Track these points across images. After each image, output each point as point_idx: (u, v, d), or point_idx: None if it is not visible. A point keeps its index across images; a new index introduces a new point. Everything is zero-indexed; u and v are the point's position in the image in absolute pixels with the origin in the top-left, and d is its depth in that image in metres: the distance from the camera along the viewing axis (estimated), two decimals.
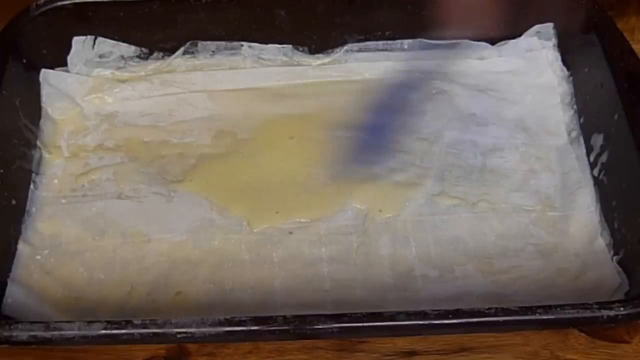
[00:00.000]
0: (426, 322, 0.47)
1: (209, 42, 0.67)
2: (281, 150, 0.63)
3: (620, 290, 0.54)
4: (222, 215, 0.59)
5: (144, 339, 0.48)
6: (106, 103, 0.66)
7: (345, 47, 0.68)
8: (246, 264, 0.57)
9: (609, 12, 0.65)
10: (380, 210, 0.59)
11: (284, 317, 0.48)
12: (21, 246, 0.57)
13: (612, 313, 0.47)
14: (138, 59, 0.67)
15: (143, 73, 0.67)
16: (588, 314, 0.48)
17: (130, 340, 0.48)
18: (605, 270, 0.55)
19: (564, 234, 0.58)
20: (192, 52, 0.68)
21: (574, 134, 0.63)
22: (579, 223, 0.58)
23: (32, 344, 0.48)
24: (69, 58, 0.66)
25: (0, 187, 0.56)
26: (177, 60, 0.67)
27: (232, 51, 0.68)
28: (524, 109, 0.65)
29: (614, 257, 0.56)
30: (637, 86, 0.58)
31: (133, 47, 0.67)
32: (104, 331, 0.47)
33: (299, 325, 0.47)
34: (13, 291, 0.54)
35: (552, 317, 0.47)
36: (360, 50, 0.68)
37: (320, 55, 0.68)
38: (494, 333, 0.54)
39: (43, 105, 0.64)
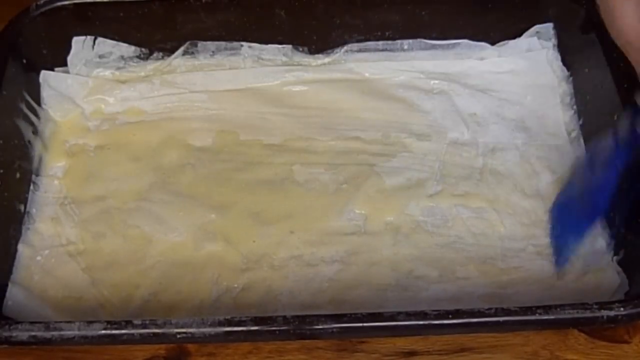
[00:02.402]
0: (426, 322, 0.47)
1: (208, 42, 0.67)
2: (282, 151, 0.63)
3: (620, 291, 0.54)
4: (222, 216, 0.59)
5: (144, 339, 0.48)
6: (107, 104, 0.66)
7: (345, 47, 0.68)
8: (246, 264, 0.57)
9: None
10: (381, 210, 0.59)
11: (284, 317, 0.48)
12: (21, 247, 0.57)
13: (612, 313, 0.47)
14: (138, 59, 0.67)
15: (143, 73, 0.67)
16: (588, 314, 0.48)
17: (130, 340, 0.48)
18: (606, 270, 0.55)
19: None
20: (192, 53, 0.68)
21: (574, 134, 0.63)
22: None
23: (32, 344, 0.48)
24: (69, 58, 0.66)
25: (0, 188, 0.56)
26: (177, 60, 0.67)
27: (232, 51, 0.68)
28: (524, 109, 0.65)
29: (614, 258, 0.56)
30: (637, 86, 0.58)
31: (133, 48, 0.67)
32: (103, 331, 0.47)
33: (299, 325, 0.47)
34: (14, 293, 0.54)
35: (552, 317, 0.47)
36: (360, 50, 0.68)
37: (320, 55, 0.68)
38: (494, 333, 0.54)
39: (43, 106, 0.64)
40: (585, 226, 0.55)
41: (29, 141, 0.62)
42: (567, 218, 0.56)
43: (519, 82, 0.67)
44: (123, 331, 0.47)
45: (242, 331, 0.47)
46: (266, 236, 0.58)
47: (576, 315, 0.48)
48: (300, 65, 0.68)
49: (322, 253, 0.57)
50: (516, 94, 0.66)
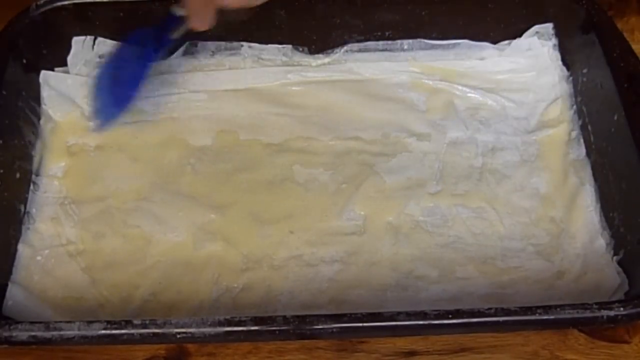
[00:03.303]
0: (426, 322, 0.47)
1: (208, 42, 0.67)
2: (282, 151, 0.63)
3: (620, 291, 0.54)
4: (222, 216, 0.59)
5: (144, 339, 0.48)
6: None
7: (345, 47, 0.68)
8: (246, 264, 0.57)
9: (609, 12, 0.65)
10: (381, 210, 0.59)
11: (284, 317, 0.48)
12: (21, 247, 0.57)
13: (612, 313, 0.47)
14: None
15: None
16: (588, 314, 0.48)
17: (130, 340, 0.48)
18: (606, 270, 0.55)
19: (564, 234, 0.58)
20: (192, 53, 0.68)
21: (574, 134, 0.63)
22: (579, 223, 0.58)
23: (32, 344, 0.48)
24: (69, 58, 0.66)
25: (0, 188, 0.56)
26: (177, 60, 0.67)
27: (232, 51, 0.68)
28: (524, 108, 0.65)
29: (614, 257, 0.56)
30: (637, 86, 0.58)
31: None
32: (103, 331, 0.47)
33: (298, 325, 0.47)
34: (14, 293, 0.54)
35: (552, 317, 0.48)
36: (360, 50, 0.68)
37: (320, 55, 0.68)
38: (494, 333, 0.54)
39: (44, 106, 0.64)
40: (121, 104, 0.63)
41: (29, 141, 0.62)
42: (108, 90, 0.62)
43: (519, 82, 0.67)
44: (123, 331, 0.47)
45: (242, 331, 0.47)
46: (266, 236, 0.58)
47: (576, 315, 0.48)
48: (300, 65, 0.68)
49: (322, 253, 0.57)
50: (516, 94, 0.66)
